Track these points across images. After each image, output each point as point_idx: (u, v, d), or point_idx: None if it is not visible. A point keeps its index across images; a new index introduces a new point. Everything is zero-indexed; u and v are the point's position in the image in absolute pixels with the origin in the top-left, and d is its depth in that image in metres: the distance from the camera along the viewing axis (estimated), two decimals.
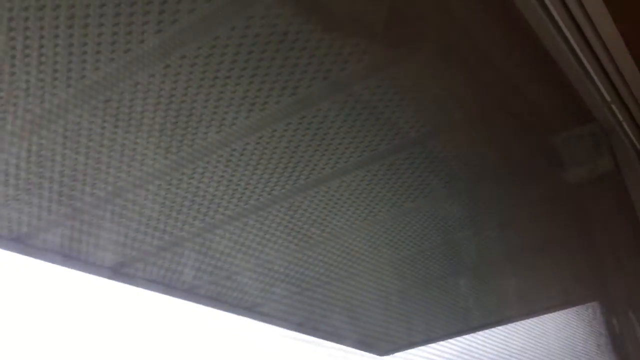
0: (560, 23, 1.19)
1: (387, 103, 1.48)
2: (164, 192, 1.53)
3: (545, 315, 2.51)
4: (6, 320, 1.18)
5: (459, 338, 2.58)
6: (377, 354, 2.49)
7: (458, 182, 1.79)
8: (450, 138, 1.65)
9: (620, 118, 1.43)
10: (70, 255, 1.53)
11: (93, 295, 1.47)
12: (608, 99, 1.36)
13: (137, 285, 1.61)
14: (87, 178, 1.42)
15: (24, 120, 1.25)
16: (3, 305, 1.20)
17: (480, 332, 2.58)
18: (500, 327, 2.57)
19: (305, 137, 1.50)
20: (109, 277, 1.57)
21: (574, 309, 2.31)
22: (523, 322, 2.58)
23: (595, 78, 1.30)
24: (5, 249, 1.45)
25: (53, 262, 1.43)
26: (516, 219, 1.96)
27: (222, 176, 1.53)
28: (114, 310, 1.45)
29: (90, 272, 1.52)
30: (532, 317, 2.35)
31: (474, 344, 2.55)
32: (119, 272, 1.64)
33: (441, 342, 2.58)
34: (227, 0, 1.13)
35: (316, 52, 1.28)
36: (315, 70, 1.33)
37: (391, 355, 2.54)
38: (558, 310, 2.40)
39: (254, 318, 1.91)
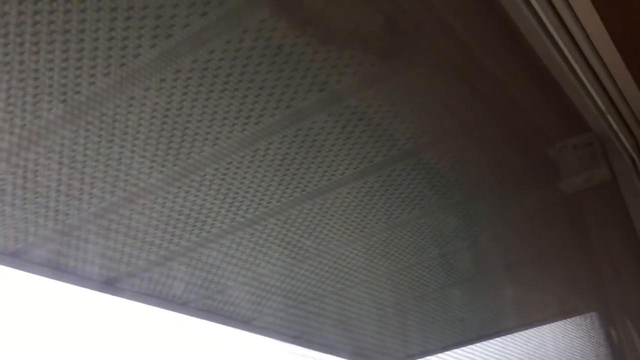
0: (554, 34, 1.20)
1: (383, 115, 1.48)
2: (159, 206, 1.52)
3: (543, 326, 2.51)
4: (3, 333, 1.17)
5: (456, 350, 2.57)
6: None
7: (454, 193, 1.79)
8: (446, 149, 1.65)
9: (616, 127, 1.43)
10: (64, 269, 1.52)
11: (89, 310, 1.46)
12: (603, 108, 1.37)
13: (132, 298, 1.60)
14: (82, 193, 1.42)
15: (20, 136, 1.24)
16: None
17: (478, 344, 2.57)
18: (497, 338, 2.56)
19: (301, 150, 1.50)
20: (104, 291, 1.56)
21: (572, 319, 2.31)
22: (520, 332, 2.57)
23: (590, 88, 1.30)
24: (4, 265, 1.44)
25: (47, 276, 1.42)
26: (512, 229, 1.96)
27: (218, 190, 1.52)
28: (108, 324, 1.44)
29: (85, 286, 1.51)
30: (530, 328, 2.34)
31: (470, 356, 2.54)
32: (114, 286, 1.63)
33: (438, 354, 2.57)
34: (222, 14, 1.13)
35: (311, 65, 1.28)
36: (310, 83, 1.33)
37: None
38: (555, 321, 2.39)
39: (249, 331, 1.89)
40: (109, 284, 1.62)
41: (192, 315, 1.82)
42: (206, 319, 1.82)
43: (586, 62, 1.28)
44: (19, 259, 1.47)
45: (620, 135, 1.46)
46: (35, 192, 1.36)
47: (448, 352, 2.57)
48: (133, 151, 1.35)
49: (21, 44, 1.08)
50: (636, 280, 1.46)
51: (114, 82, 1.20)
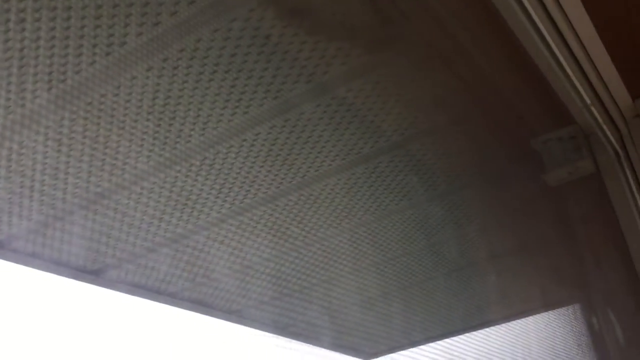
0: (540, 26, 1.20)
1: (370, 106, 1.49)
2: (147, 194, 1.52)
3: (527, 318, 2.53)
4: None
5: (440, 342, 2.59)
6: (362, 358, 2.50)
7: (440, 184, 1.80)
8: (433, 141, 1.66)
9: (600, 120, 1.44)
10: (50, 259, 1.52)
11: (76, 300, 1.45)
12: (588, 101, 1.38)
13: (119, 289, 1.60)
14: (69, 181, 1.41)
15: (4, 126, 1.23)
16: None
17: (462, 336, 2.59)
18: (481, 330, 2.58)
19: (288, 140, 1.50)
20: (92, 282, 1.56)
21: (555, 310, 2.33)
22: (504, 324, 2.60)
23: (575, 81, 1.32)
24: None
25: (32, 266, 1.41)
26: (497, 221, 1.98)
27: (207, 178, 1.52)
28: (95, 315, 1.44)
29: (71, 277, 1.51)
30: (514, 319, 2.36)
31: (454, 346, 2.56)
32: (101, 276, 1.62)
33: (422, 347, 2.59)
34: (210, 2, 1.13)
35: (299, 55, 1.29)
36: (298, 74, 1.33)
37: (375, 359, 2.54)
38: (539, 312, 2.42)
39: (237, 322, 1.90)
40: (95, 274, 1.62)
41: (180, 306, 1.82)
42: (194, 310, 1.82)
43: (572, 54, 1.29)
44: (3, 248, 1.46)
45: (605, 128, 1.48)
46: (21, 179, 1.36)
47: (431, 345, 2.59)
48: (119, 135, 1.35)
49: (6, 32, 1.07)
50: (618, 272, 1.48)
51: (100, 70, 1.19)
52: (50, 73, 1.17)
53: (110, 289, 1.53)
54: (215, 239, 1.74)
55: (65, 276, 1.45)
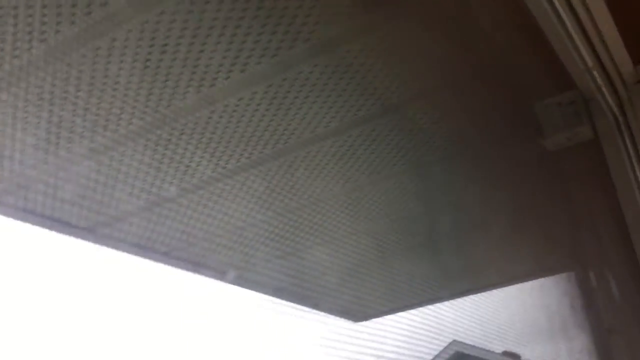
0: None
1: (368, 67, 1.47)
2: (139, 154, 1.50)
3: (523, 284, 2.55)
4: None
5: (438, 304, 2.61)
6: (352, 320, 2.51)
7: (437, 148, 1.79)
8: (430, 104, 1.64)
9: (601, 84, 1.43)
10: (43, 215, 1.50)
11: (71, 258, 1.44)
12: (589, 64, 1.36)
13: (114, 247, 1.59)
14: (62, 138, 1.39)
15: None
16: None
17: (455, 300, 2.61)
18: (476, 294, 2.61)
19: (285, 100, 1.48)
20: (86, 239, 1.54)
21: (551, 277, 2.35)
22: (500, 290, 2.62)
23: (578, 42, 1.29)
24: None
25: (32, 223, 1.40)
26: (494, 185, 1.97)
27: (201, 138, 1.50)
28: (90, 273, 1.43)
29: (66, 234, 1.50)
30: (510, 284, 2.38)
31: (444, 310, 2.58)
32: (96, 233, 1.61)
33: (412, 311, 2.61)
34: None
35: (298, 13, 1.26)
36: (297, 32, 1.30)
37: (365, 322, 2.56)
38: (535, 278, 2.44)
39: (232, 283, 1.90)
40: (91, 231, 1.60)
41: (173, 265, 1.81)
42: (187, 269, 1.82)
43: (575, 16, 1.27)
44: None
45: (605, 92, 1.47)
46: (14, 136, 1.33)
47: (419, 309, 2.61)
48: (113, 96, 1.32)
49: None
50: (614, 239, 1.48)
51: (93, 23, 1.16)
52: (45, 23, 1.14)
53: (105, 245, 1.51)
54: (210, 199, 1.72)
55: (59, 232, 1.43)
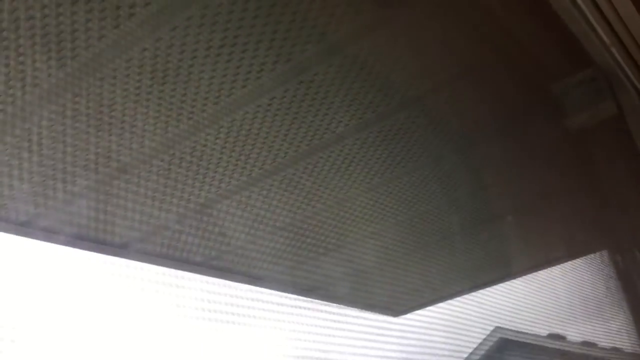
0: None
1: (383, 63, 1.47)
2: (167, 165, 1.52)
3: (555, 267, 2.52)
4: None
5: (465, 295, 2.60)
6: (392, 315, 2.51)
7: (459, 138, 1.78)
8: (449, 94, 1.64)
9: (620, 60, 1.41)
10: (71, 234, 1.54)
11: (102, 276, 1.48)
12: (607, 41, 1.35)
13: (149, 262, 1.62)
14: (90, 159, 1.42)
15: (24, 102, 1.24)
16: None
17: (487, 289, 2.59)
18: (506, 282, 2.59)
19: (303, 103, 1.49)
20: (121, 256, 1.58)
21: (583, 257, 2.32)
22: (529, 275, 2.59)
23: (593, 21, 1.28)
24: (13, 233, 1.46)
25: (54, 242, 1.43)
26: (519, 171, 1.95)
27: (224, 147, 1.52)
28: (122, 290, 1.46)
29: (100, 252, 1.53)
30: (545, 267, 2.35)
31: (484, 297, 2.56)
32: (132, 249, 1.64)
33: (451, 301, 2.60)
34: None
35: (308, 15, 1.27)
36: (308, 34, 1.31)
37: (405, 316, 2.56)
38: (567, 260, 2.41)
39: (265, 286, 1.92)
40: (123, 248, 1.64)
41: (211, 275, 1.84)
42: (220, 277, 1.84)
43: None
44: (29, 227, 1.48)
45: (625, 67, 1.44)
46: (42, 160, 1.37)
47: (458, 299, 2.60)
48: (137, 112, 1.35)
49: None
50: None
51: (109, 45, 1.19)
52: (60, 50, 1.17)
53: (135, 260, 1.54)
54: (237, 207, 1.74)
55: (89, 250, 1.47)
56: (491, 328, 2.87)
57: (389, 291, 2.54)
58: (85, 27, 1.13)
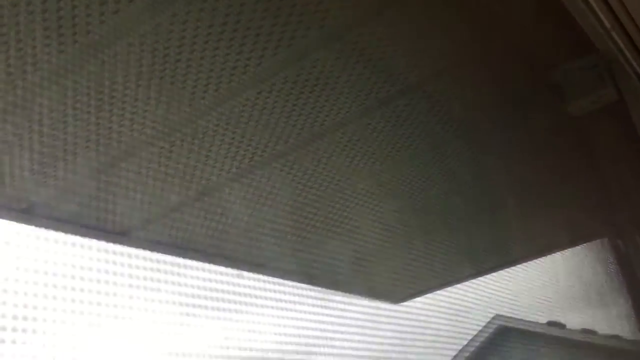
0: None
1: (384, 49, 1.46)
2: (167, 153, 1.52)
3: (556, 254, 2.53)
4: None
5: (466, 282, 2.60)
6: (392, 302, 2.52)
7: (460, 124, 1.78)
8: (450, 80, 1.63)
9: (622, 45, 1.40)
10: (77, 222, 1.54)
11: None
12: (608, 26, 1.34)
13: (150, 249, 1.62)
14: (99, 140, 1.42)
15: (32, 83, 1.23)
16: None
17: (489, 275, 2.60)
18: (508, 269, 2.59)
19: (305, 89, 1.48)
20: (124, 243, 1.58)
21: (584, 245, 2.32)
22: (532, 262, 2.60)
23: (594, 5, 1.27)
24: (16, 221, 1.46)
25: (59, 230, 1.43)
26: (520, 157, 1.95)
27: (224, 134, 1.52)
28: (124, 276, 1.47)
29: (100, 239, 1.53)
30: (546, 254, 2.36)
31: (484, 285, 2.57)
32: (129, 236, 1.65)
33: (451, 289, 2.61)
34: None
35: (310, 1, 1.26)
36: (309, 20, 1.31)
37: (405, 303, 2.57)
38: (568, 247, 2.41)
39: (267, 274, 1.92)
40: (125, 235, 1.64)
41: (213, 262, 1.84)
42: (222, 265, 1.84)
43: None
44: (29, 214, 1.48)
45: (627, 53, 1.44)
46: (52, 141, 1.37)
47: (458, 286, 2.60)
48: (137, 99, 1.34)
49: None
50: None
51: (108, 30, 1.18)
52: (60, 35, 1.16)
53: (137, 247, 1.54)
54: (238, 195, 1.74)
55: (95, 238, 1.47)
56: (491, 315, 2.88)
57: (389, 278, 2.55)
58: (85, 13, 1.13)
